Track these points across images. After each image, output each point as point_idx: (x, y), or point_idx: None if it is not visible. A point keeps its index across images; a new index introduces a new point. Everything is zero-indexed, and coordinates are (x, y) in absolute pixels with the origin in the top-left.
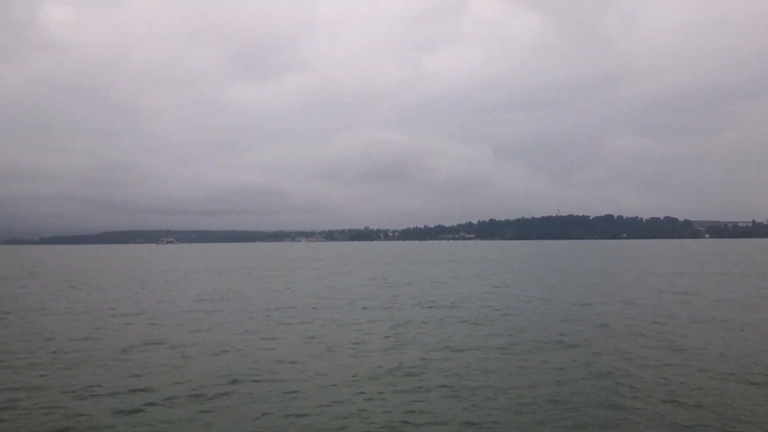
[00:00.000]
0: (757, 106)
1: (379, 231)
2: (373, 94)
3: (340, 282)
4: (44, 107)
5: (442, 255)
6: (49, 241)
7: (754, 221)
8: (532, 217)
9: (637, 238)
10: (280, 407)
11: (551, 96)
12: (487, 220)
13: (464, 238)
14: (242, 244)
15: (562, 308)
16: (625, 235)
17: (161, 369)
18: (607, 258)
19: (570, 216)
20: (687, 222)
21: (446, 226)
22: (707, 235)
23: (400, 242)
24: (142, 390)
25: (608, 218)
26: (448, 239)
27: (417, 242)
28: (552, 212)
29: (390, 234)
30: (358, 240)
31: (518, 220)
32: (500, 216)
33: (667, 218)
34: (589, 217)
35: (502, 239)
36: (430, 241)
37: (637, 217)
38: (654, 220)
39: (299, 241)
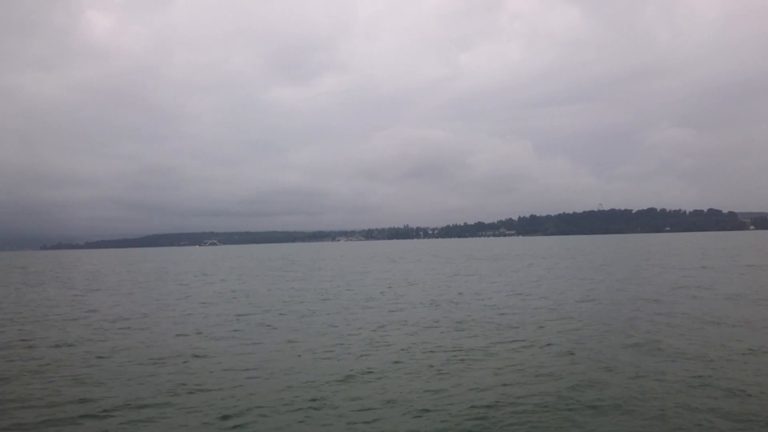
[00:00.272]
0: None
1: (418, 229)
2: (411, 92)
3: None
4: (87, 113)
5: (501, 251)
6: (94, 245)
7: None
8: (574, 212)
9: (681, 232)
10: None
11: (591, 90)
12: (527, 216)
13: (505, 235)
14: (285, 245)
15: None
16: (668, 229)
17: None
18: (637, 252)
19: (612, 210)
20: (731, 214)
21: (486, 223)
22: (752, 227)
23: (440, 240)
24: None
25: (651, 212)
26: (488, 236)
27: (457, 239)
28: (594, 207)
29: (430, 232)
30: (397, 238)
31: (560, 215)
32: (541, 212)
33: (710, 210)
34: (631, 210)
35: (544, 235)
36: (470, 239)
37: (680, 209)
38: (697, 213)
39: (339, 240)
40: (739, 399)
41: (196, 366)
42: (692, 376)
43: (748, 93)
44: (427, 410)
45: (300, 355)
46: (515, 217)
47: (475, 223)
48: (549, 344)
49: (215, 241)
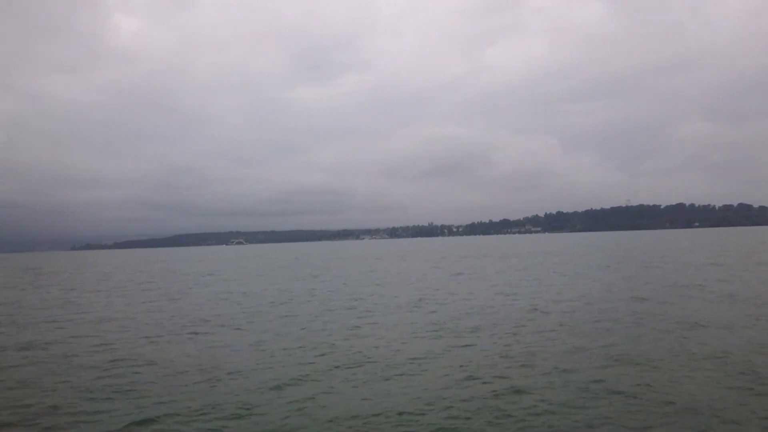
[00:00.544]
0: None
1: (443, 227)
2: (434, 90)
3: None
4: (114, 115)
5: (534, 248)
6: (123, 246)
7: None
8: (601, 208)
9: (710, 227)
10: None
11: (618, 84)
12: (554, 212)
13: (530, 232)
14: (309, 244)
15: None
16: (697, 224)
17: None
18: (656, 249)
19: (640, 206)
20: (762, 208)
21: (511, 220)
22: None
23: (464, 237)
24: None
25: (679, 207)
26: (514, 233)
27: (482, 237)
28: (621, 202)
29: (454, 230)
30: (422, 236)
31: (586, 211)
32: (568, 208)
33: (741, 205)
34: (659, 206)
35: (570, 232)
36: (495, 236)
37: (709, 205)
38: (727, 208)
39: (363, 239)
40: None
41: (130, 369)
42: (633, 384)
43: None
44: (355, 416)
45: (247, 359)
46: (541, 214)
47: (500, 221)
48: (505, 352)
49: (241, 240)
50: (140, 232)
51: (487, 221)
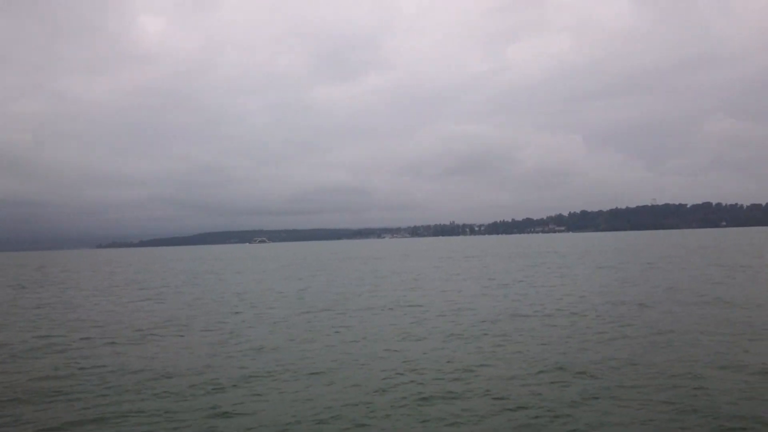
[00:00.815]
0: None
1: (465, 226)
2: (456, 87)
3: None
4: (140, 115)
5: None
6: (148, 244)
7: None
8: (626, 207)
9: (738, 227)
10: None
11: (643, 81)
12: (578, 211)
13: (554, 231)
14: (329, 242)
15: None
16: (724, 224)
17: None
18: (672, 248)
19: (666, 205)
20: None
21: (534, 219)
22: None
23: (486, 237)
24: None
25: (706, 206)
26: (537, 232)
27: (504, 236)
28: (647, 201)
29: (476, 229)
30: (443, 236)
31: (611, 210)
32: (592, 207)
33: None
34: (686, 205)
35: (595, 231)
36: (517, 235)
37: (737, 204)
38: (755, 207)
39: (384, 237)
40: None
41: (75, 371)
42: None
43: None
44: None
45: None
46: (565, 213)
47: (523, 219)
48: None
49: (264, 239)
50: (165, 230)
51: (510, 220)
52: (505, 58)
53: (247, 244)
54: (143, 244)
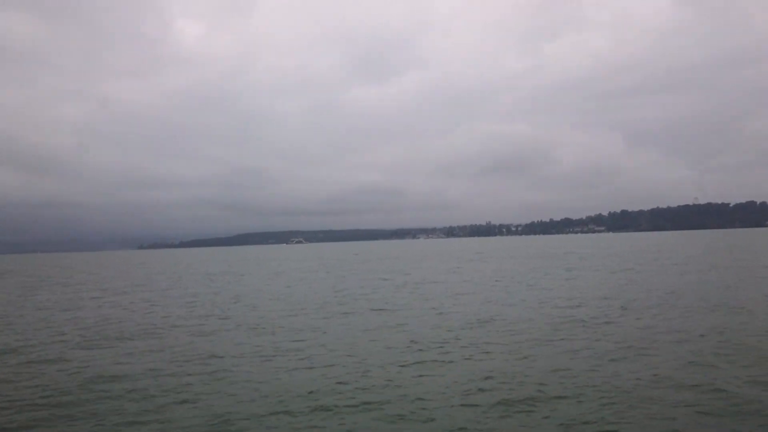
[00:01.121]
0: None
1: (501, 226)
2: (493, 86)
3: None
4: (179, 118)
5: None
6: (188, 245)
7: None
8: (668, 207)
9: None
10: None
11: (685, 78)
12: (618, 211)
13: (593, 231)
14: (364, 243)
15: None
16: None
17: None
18: (700, 250)
19: (708, 204)
20: None
21: (573, 219)
22: None
23: (522, 237)
24: None
25: (750, 205)
26: (576, 232)
27: (541, 237)
28: (689, 200)
29: (513, 229)
30: (479, 236)
31: (652, 210)
32: (632, 206)
33: None
34: (728, 204)
35: (635, 231)
36: (555, 236)
37: None
38: None
39: (419, 238)
40: None
41: None
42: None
43: None
44: None
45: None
46: (605, 213)
47: (561, 220)
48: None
49: (301, 239)
50: (205, 231)
51: (548, 220)
52: (543, 56)
53: (284, 244)
54: (183, 245)
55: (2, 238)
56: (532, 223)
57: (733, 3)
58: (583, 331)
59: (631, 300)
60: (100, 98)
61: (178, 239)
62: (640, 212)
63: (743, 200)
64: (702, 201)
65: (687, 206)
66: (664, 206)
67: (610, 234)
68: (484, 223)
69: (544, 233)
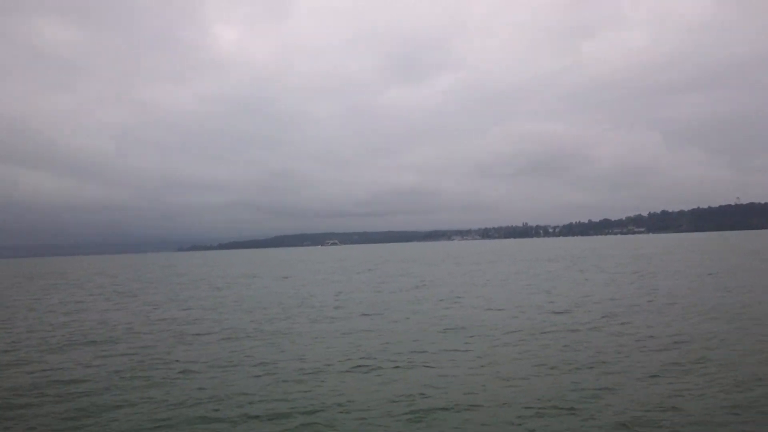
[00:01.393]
0: None
1: (538, 227)
2: (529, 86)
3: None
4: (216, 122)
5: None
6: (226, 247)
7: None
8: (709, 207)
9: None
10: None
11: (725, 75)
12: (658, 211)
13: (633, 232)
14: (398, 245)
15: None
16: None
17: None
18: (725, 252)
19: (751, 204)
20: None
21: (612, 219)
22: None
23: (560, 239)
24: None
25: None
26: (615, 233)
27: (579, 238)
28: (731, 200)
29: (550, 230)
30: (515, 237)
31: (693, 210)
32: (673, 207)
33: None
34: None
35: (676, 232)
36: (593, 237)
37: None
38: None
39: (454, 239)
40: None
41: None
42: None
43: None
44: None
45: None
46: (645, 213)
47: (600, 220)
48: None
49: (335, 241)
50: (243, 233)
51: (586, 221)
52: (580, 54)
53: (320, 246)
54: (222, 247)
55: (45, 241)
56: (570, 224)
57: None
58: (551, 338)
59: (623, 306)
60: (139, 103)
61: (217, 241)
62: (681, 213)
63: None
64: (744, 201)
65: (729, 206)
66: (705, 206)
67: (650, 235)
68: (520, 225)
69: (582, 234)
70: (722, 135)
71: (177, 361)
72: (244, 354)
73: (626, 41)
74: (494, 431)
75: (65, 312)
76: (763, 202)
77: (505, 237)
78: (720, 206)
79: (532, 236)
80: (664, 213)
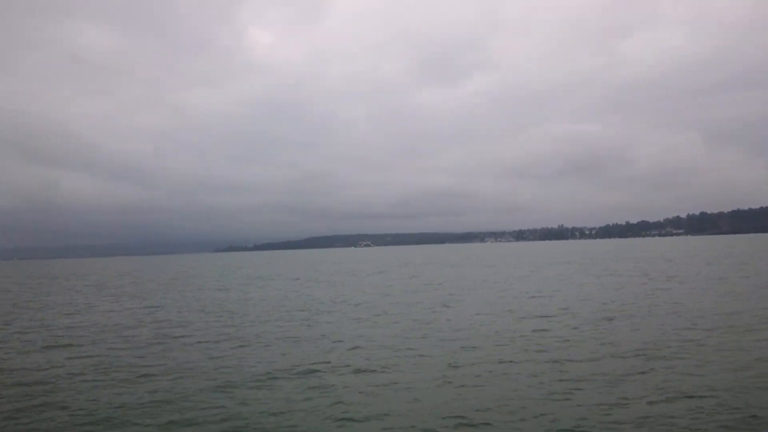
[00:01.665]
0: None
1: (574, 229)
2: (565, 86)
3: None
4: (251, 125)
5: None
6: (262, 248)
7: None
8: (749, 208)
9: None
10: None
11: (767, 73)
12: (697, 213)
13: (671, 234)
14: (429, 246)
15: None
16: None
17: None
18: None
19: None
20: None
21: (650, 221)
22: None
23: (596, 241)
24: None
25: None
26: (653, 236)
27: (615, 240)
28: None
29: (586, 232)
30: (550, 239)
31: (733, 212)
32: (712, 208)
33: None
34: None
35: (716, 234)
36: (630, 239)
37: None
38: None
39: (487, 241)
40: None
41: None
42: None
43: None
44: None
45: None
46: (683, 215)
47: (637, 222)
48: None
49: (368, 243)
50: (277, 234)
51: (624, 223)
52: (618, 54)
53: (352, 248)
54: (257, 248)
55: (84, 242)
56: (607, 226)
57: None
58: (510, 345)
59: (615, 312)
60: (175, 107)
61: (252, 242)
62: (720, 214)
63: None
64: None
65: None
66: (745, 208)
67: (688, 237)
68: (556, 227)
69: (619, 236)
70: (762, 135)
71: (146, 365)
72: (207, 359)
73: (664, 41)
74: None
75: (67, 313)
76: None
77: (540, 239)
78: (761, 207)
79: (567, 238)
80: (702, 215)
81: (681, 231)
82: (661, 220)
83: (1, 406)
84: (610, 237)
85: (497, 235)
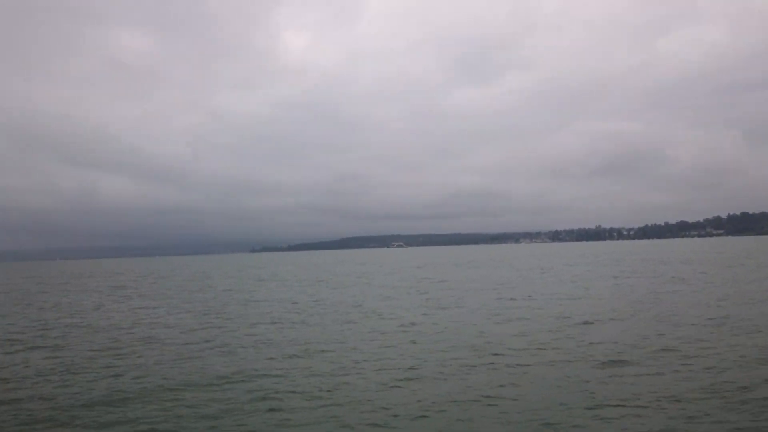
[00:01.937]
0: None
1: (612, 230)
2: (601, 84)
3: None
4: (286, 127)
5: None
6: (295, 248)
7: None
8: None
9: None
10: None
11: None
12: (738, 213)
13: (711, 235)
14: (465, 247)
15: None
16: None
17: None
18: None
19: None
20: None
21: (690, 222)
22: None
23: (635, 242)
24: None
25: None
26: (693, 236)
27: (654, 241)
28: None
29: (624, 233)
30: (587, 240)
31: None
32: (754, 208)
33: None
34: None
35: (757, 235)
36: (670, 240)
37: None
38: None
39: (522, 242)
40: None
41: None
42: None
43: None
44: None
45: None
46: (724, 215)
47: (677, 223)
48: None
49: (401, 243)
50: (311, 235)
51: (663, 223)
52: (655, 51)
53: (385, 248)
54: (291, 248)
55: (124, 243)
56: (645, 227)
57: None
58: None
59: (598, 315)
60: (212, 109)
61: (286, 243)
62: (762, 214)
63: None
64: None
65: None
66: None
67: (729, 238)
68: (593, 227)
69: (658, 237)
70: None
71: (115, 365)
72: (173, 363)
73: (703, 37)
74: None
75: (73, 313)
76: None
77: (577, 240)
78: None
79: (605, 239)
80: (744, 215)
81: (721, 231)
82: (701, 221)
83: None
84: (648, 238)
85: (532, 236)
